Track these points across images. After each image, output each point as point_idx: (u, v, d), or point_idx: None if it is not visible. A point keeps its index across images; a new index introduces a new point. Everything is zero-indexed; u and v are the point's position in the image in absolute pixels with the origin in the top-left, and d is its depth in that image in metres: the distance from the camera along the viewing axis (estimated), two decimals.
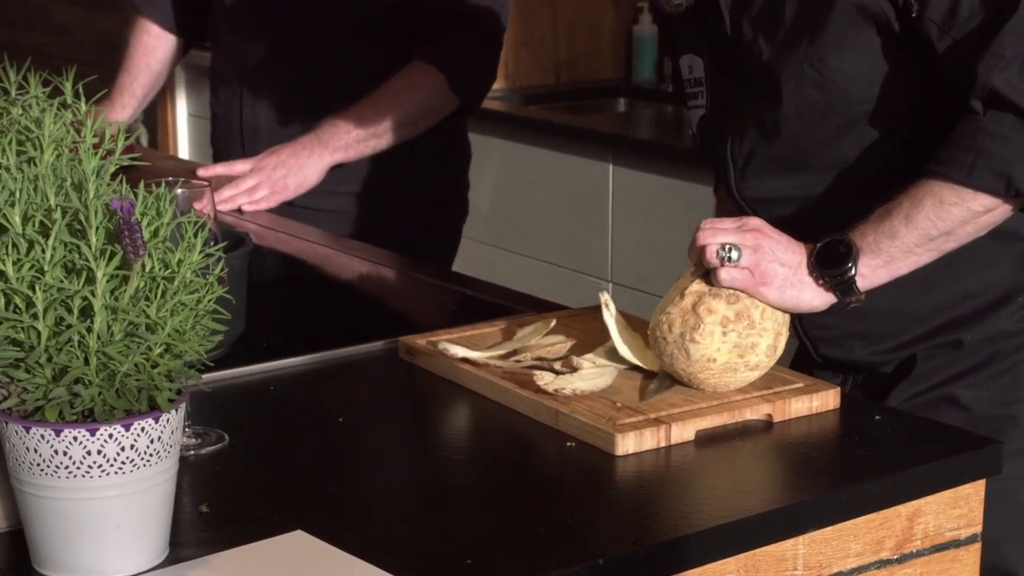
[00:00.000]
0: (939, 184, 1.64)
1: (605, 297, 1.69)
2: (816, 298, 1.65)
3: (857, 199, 1.73)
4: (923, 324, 1.82)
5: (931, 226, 1.65)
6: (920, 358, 1.81)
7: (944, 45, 1.66)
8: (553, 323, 1.78)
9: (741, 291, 1.61)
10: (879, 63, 1.72)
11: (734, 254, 1.60)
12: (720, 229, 1.62)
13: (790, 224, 1.70)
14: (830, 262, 1.65)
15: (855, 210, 1.70)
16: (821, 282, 1.65)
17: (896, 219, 1.65)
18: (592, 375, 1.62)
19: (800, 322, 1.88)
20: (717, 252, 1.60)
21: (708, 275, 1.62)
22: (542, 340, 1.73)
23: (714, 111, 1.90)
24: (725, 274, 1.60)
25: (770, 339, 1.61)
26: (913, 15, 1.67)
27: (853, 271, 1.64)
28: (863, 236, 1.66)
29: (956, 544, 1.53)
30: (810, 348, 1.90)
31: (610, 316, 1.68)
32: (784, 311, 1.65)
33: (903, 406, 1.80)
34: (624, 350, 1.68)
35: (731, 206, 1.91)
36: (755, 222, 1.64)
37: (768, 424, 1.58)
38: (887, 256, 1.66)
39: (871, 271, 1.66)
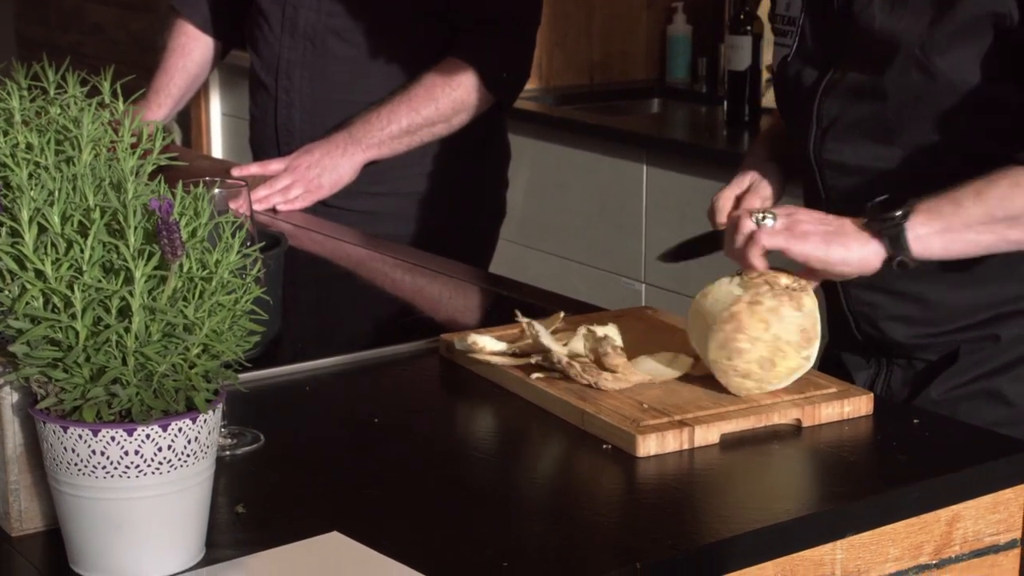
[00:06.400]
0: (1019, 170, 1.62)
1: (523, 320, 1.69)
2: (864, 247, 1.61)
3: (935, 182, 1.71)
4: (966, 317, 1.80)
5: (998, 206, 1.61)
6: (963, 351, 1.80)
7: None
8: (562, 315, 1.77)
9: (782, 250, 1.58)
10: (992, 61, 1.69)
11: (768, 220, 1.59)
12: (752, 207, 1.61)
13: (860, 198, 1.68)
14: (883, 213, 1.62)
15: (929, 192, 1.69)
16: (869, 231, 1.62)
17: (965, 192, 1.62)
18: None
19: (846, 296, 1.86)
20: (752, 214, 1.58)
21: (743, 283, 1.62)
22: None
23: (800, 56, 1.85)
24: (766, 238, 1.58)
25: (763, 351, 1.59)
26: None
27: (904, 219, 1.61)
28: (924, 200, 1.63)
29: (995, 549, 1.52)
30: (852, 323, 1.88)
31: (538, 328, 1.67)
32: (835, 273, 1.62)
33: (945, 396, 1.78)
34: (555, 345, 1.67)
35: (764, 153, 1.90)
36: (788, 207, 1.63)
37: (797, 429, 1.57)
38: (946, 223, 1.62)
39: (926, 233, 1.62)
